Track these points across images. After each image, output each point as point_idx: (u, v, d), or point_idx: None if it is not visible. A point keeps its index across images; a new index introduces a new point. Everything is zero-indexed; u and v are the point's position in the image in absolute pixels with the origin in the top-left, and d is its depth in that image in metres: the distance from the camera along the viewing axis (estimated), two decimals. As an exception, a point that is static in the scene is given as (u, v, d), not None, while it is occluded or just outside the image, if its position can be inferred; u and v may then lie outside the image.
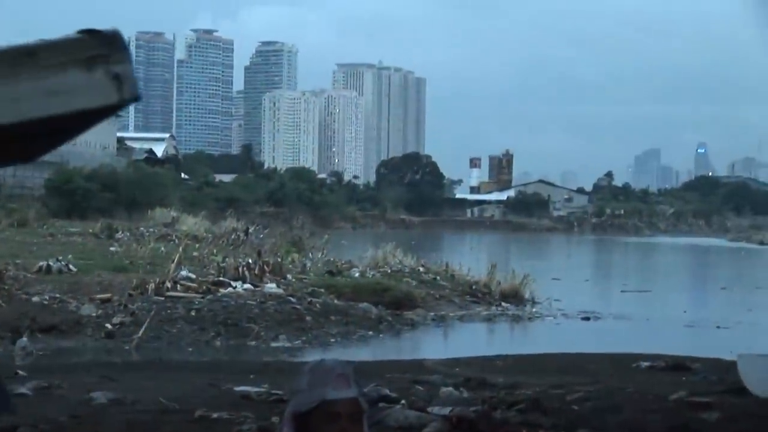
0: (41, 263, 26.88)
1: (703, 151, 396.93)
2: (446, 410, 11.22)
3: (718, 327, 28.20)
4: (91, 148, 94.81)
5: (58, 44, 5.18)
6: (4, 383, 5.53)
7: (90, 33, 5.11)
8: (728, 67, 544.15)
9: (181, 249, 28.11)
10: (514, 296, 31.43)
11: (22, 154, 6.14)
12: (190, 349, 20.87)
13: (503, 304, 30.67)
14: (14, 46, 5.29)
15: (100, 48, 5.10)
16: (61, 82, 5.01)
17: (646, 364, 17.82)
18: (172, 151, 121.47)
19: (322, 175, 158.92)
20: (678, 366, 17.45)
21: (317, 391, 3.67)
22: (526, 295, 31.74)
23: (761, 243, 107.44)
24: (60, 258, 28.13)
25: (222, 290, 25.71)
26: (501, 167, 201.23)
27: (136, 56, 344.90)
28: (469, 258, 45.21)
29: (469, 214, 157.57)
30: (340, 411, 3.62)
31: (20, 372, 14.64)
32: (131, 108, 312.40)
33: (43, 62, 4.97)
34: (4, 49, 5.16)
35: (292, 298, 25.65)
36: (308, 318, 24.20)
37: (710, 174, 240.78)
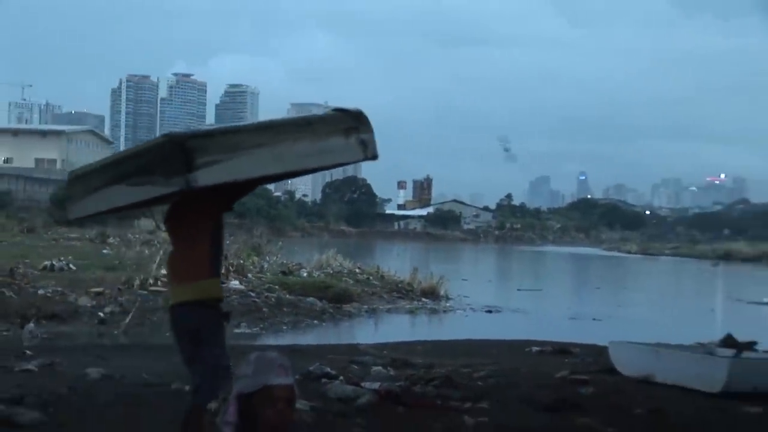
0: (46, 263, 26.47)
1: (584, 178, 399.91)
2: (376, 385, 11.22)
3: (594, 319, 28.46)
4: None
5: (326, 118, 5.80)
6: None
7: (343, 111, 5.69)
8: (605, 110, 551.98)
9: (161, 252, 27.78)
10: (432, 293, 31.47)
11: (266, 183, 6.82)
12: (167, 334, 20.61)
13: (423, 299, 30.69)
14: (296, 117, 5.96)
15: (352, 122, 5.76)
16: (327, 144, 5.56)
17: (536, 348, 17.93)
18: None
19: (278, 194, 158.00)
20: (562, 350, 17.57)
21: (261, 377, 3.64)
22: (442, 293, 31.78)
23: (628, 252, 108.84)
24: (62, 258, 27.75)
25: (195, 286, 25.45)
26: (423, 189, 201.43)
27: (127, 95, 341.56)
28: (396, 262, 45.19)
29: (396, 227, 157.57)
30: (279, 395, 3.60)
31: (27, 352, 14.41)
32: (122, 136, 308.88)
33: (317, 130, 5.46)
34: (290, 120, 5.76)
35: (252, 293, 25.48)
36: (265, 309, 24.05)
37: (589, 197, 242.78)
